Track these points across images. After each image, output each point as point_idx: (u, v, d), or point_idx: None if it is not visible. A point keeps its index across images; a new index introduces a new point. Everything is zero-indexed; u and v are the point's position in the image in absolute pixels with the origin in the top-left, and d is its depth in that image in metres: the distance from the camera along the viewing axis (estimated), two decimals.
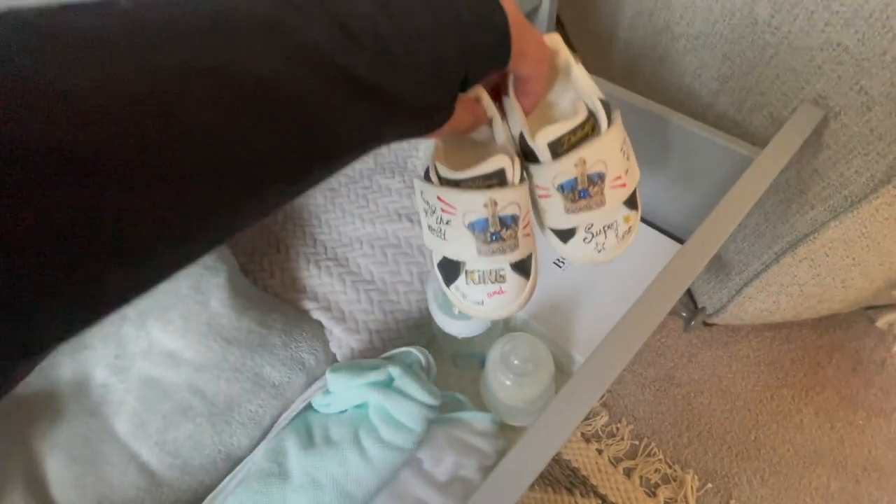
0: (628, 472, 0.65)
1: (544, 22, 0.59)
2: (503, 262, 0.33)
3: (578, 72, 0.33)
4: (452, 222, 0.31)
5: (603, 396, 0.71)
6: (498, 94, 0.32)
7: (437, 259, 0.36)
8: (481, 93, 0.31)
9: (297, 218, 0.56)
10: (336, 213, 0.56)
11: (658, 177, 0.56)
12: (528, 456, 0.28)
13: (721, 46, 0.52)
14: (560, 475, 0.64)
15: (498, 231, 0.31)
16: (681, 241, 0.57)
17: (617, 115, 0.32)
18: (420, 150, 0.59)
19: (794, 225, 0.53)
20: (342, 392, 0.40)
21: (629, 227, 0.34)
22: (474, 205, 0.30)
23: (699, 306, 0.73)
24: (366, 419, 0.39)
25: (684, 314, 0.63)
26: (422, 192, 0.33)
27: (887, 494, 0.64)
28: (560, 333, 0.50)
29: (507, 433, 0.45)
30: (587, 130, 0.31)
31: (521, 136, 0.32)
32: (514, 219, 0.31)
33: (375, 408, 0.39)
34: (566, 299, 0.52)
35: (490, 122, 0.32)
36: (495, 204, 0.30)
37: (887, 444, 0.68)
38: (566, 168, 0.31)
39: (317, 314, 0.48)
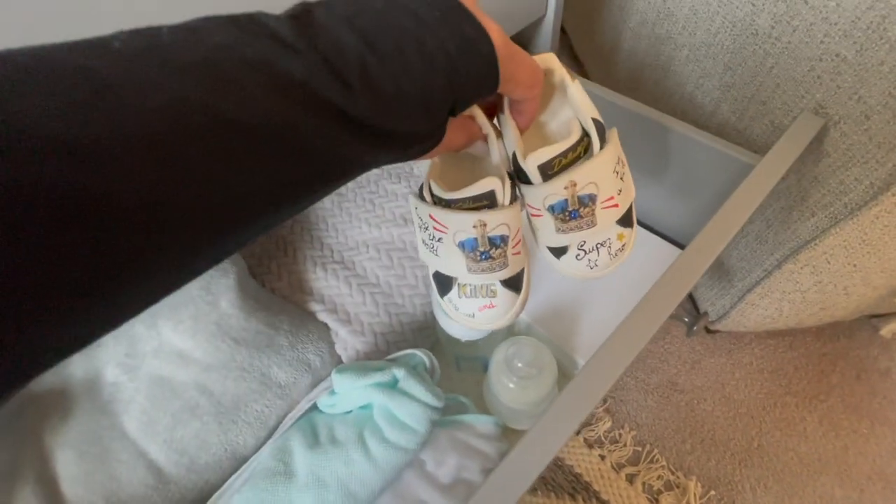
0: (631, 479, 0.65)
1: (548, 34, 0.61)
2: (493, 279, 0.33)
3: (574, 90, 0.33)
4: (444, 240, 0.32)
5: (606, 402, 0.71)
6: (494, 112, 0.33)
7: (431, 271, 0.37)
8: (476, 111, 0.31)
9: (304, 222, 0.57)
10: (343, 217, 0.57)
11: (661, 183, 0.57)
12: (527, 458, 0.28)
13: (723, 56, 0.52)
14: (563, 481, 0.64)
15: (487, 251, 0.32)
16: (683, 246, 0.57)
17: (612, 135, 0.32)
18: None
19: (796, 231, 0.53)
20: (347, 393, 0.41)
21: (623, 245, 0.35)
22: (464, 225, 0.31)
23: (701, 312, 0.73)
24: (370, 420, 0.40)
25: (686, 319, 0.63)
26: (416, 209, 0.34)
27: None
28: (563, 337, 0.50)
29: (509, 436, 0.45)
30: (579, 152, 0.32)
31: (514, 156, 0.32)
32: (504, 239, 0.32)
33: (380, 409, 0.40)
34: (569, 304, 0.53)
35: (486, 138, 0.32)
36: (484, 225, 0.31)
37: (892, 452, 0.67)
38: (556, 190, 0.31)
39: (323, 316, 0.49)
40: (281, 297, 0.50)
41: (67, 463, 0.38)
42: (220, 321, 0.44)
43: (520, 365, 0.46)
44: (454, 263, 0.33)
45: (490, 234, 0.31)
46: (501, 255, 0.32)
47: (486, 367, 0.50)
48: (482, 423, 0.43)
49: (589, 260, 0.34)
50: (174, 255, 0.16)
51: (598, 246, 0.34)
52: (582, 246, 0.34)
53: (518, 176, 0.33)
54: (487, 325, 0.35)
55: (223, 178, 0.17)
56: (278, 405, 0.43)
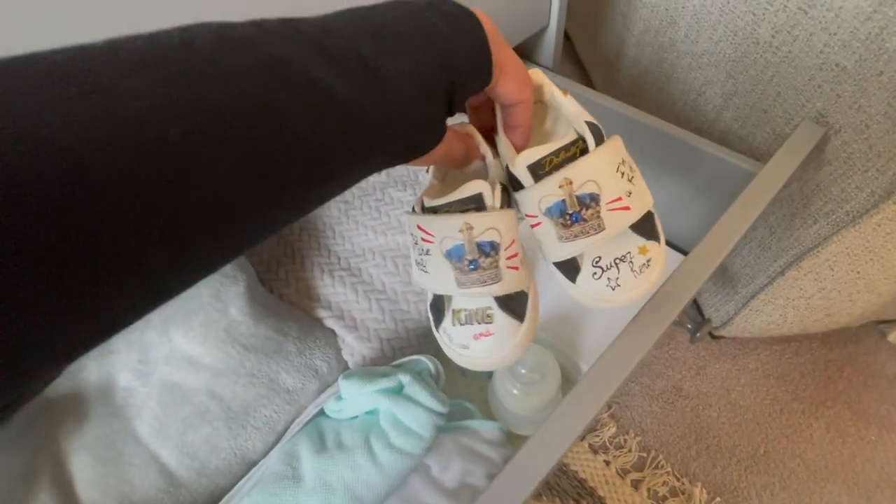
0: (636, 484, 0.65)
1: (551, 44, 0.61)
2: (487, 298, 0.30)
3: (565, 100, 0.32)
4: (431, 252, 0.30)
5: (611, 408, 0.71)
6: (491, 134, 0.32)
7: (428, 299, 0.34)
8: (472, 130, 0.31)
9: (311, 229, 0.58)
10: (349, 224, 0.58)
11: (664, 190, 0.57)
12: (530, 463, 0.29)
13: (725, 64, 0.53)
14: (567, 486, 0.64)
15: (476, 259, 0.29)
16: (685, 253, 0.58)
17: (613, 138, 0.30)
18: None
19: (799, 238, 0.53)
20: (354, 398, 0.42)
21: (647, 260, 0.30)
22: (450, 230, 0.29)
23: (706, 318, 0.73)
24: (376, 425, 0.41)
25: (689, 325, 0.63)
26: (409, 227, 0.32)
27: None
28: (567, 343, 0.51)
29: (514, 442, 0.45)
30: (574, 152, 0.29)
31: (507, 167, 0.31)
32: (494, 246, 0.29)
33: (386, 414, 0.40)
34: (573, 309, 0.53)
35: (484, 159, 0.32)
36: (471, 228, 0.28)
37: None
38: (550, 189, 0.29)
39: (330, 322, 0.50)
40: (289, 303, 0.51)
41: (82, 466, 0.39)
42: (230, 328, 0.45)
43: (523, 371, 0.47)
44: (443, 277, 0.30)
45: (478, 240, 0.28)
46: (492, 266, 0.29)
47: (490, 373, 0.50)
48: (487, 428, 0.44)
49: (609, 279, 0.30)
50: (174, 258, 0.16)
51: (617, 261, 0.30)
52: (597, 262, 0.30)
53: (513, 185, 0.31)
54: (484, 361, 0.31)
55: (205, 165, 0.16)
56: (286, 410, 0.44)
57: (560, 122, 0.35)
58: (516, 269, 0.30)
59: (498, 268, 0.29)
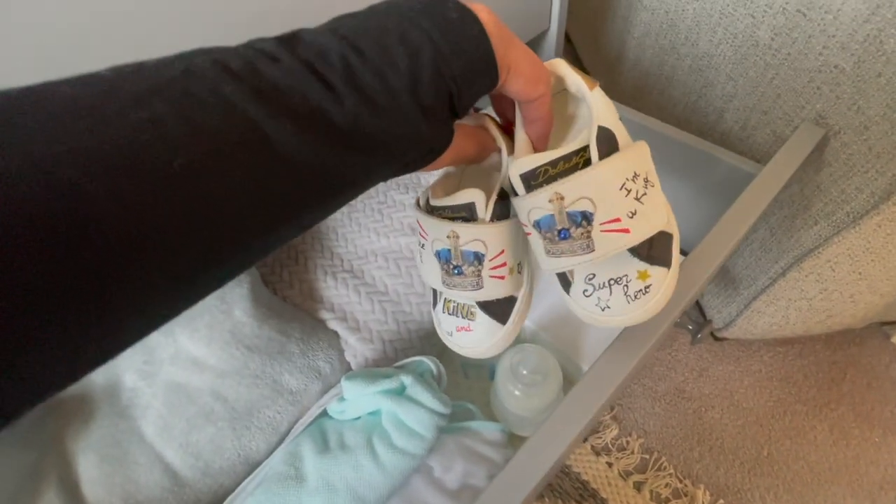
0: (638, 486, 0.65)
1: (552, 47, 0.62)
2: (468, 300, 0.31)
3: (591, 94, 0.29)
4: (426, 247, 0.31)
5: (613, 409, 0.71)
6: (511, 129, 0.31)
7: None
8: (488, 122, 0.30)
9: (314, 232, 0.58)
10: (352, 227, 0.58)
11: (665, 192, 0.57)
12: (529, 463, 0.29)
13: (725, 67, 0.53)
14: (570, 488, 0.64)
15: (460, 265, 0.29)
16: (686, 254, 0.58)
17: (631, 147, 0.28)
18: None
19: (800, 240, 0.53)
20: (356, 399, 0.42)
21: (646, 286, 0.28)
22: (440, 234, 0.30)
23: (707, 319, 0.73)
24: (379, 426, 0.41)
25: (690, 327, 0.63)
26: (415, 216, 0.33)
27: None
28: (569, 344, 0.51)
29: (515, 443, 0.46)
30: (576, 162, 0.27)
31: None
32: (478, 256, 0.29)
33: (388, 415, 0.41)
34: None
35: (500, 151, 0.31)
36: (457, 237, 0.29)
37: None
38: (540, 203, 0.27)
39: (333, 324, 0.50)
40: (292, 305, 0.52)
41: (89, 466, 0.40)
42: (234, 329, 0.45)
43: (525, 372, 0.47)
44: (432, 273, 0.31)
45: (463, 249, 0.29)
46: (475, 275, 0.29)
47: (492, 375, 0.50)
48: (489, 429, 0.44)
49: (599, 299, 0.29)
50: (166, 279, 0.16)
51: (611, 283, 0.28)
52: (590, 279, 0.29)
53: (511, 189, 0.30)
54: (465, 350, 0.32)
55: (208, 193, 0.16)
56: (290, 411, 0.44)
57: (584, 113, 0.33)
58: (501, 278, 0.30)
59: (480, 276, 0.29)
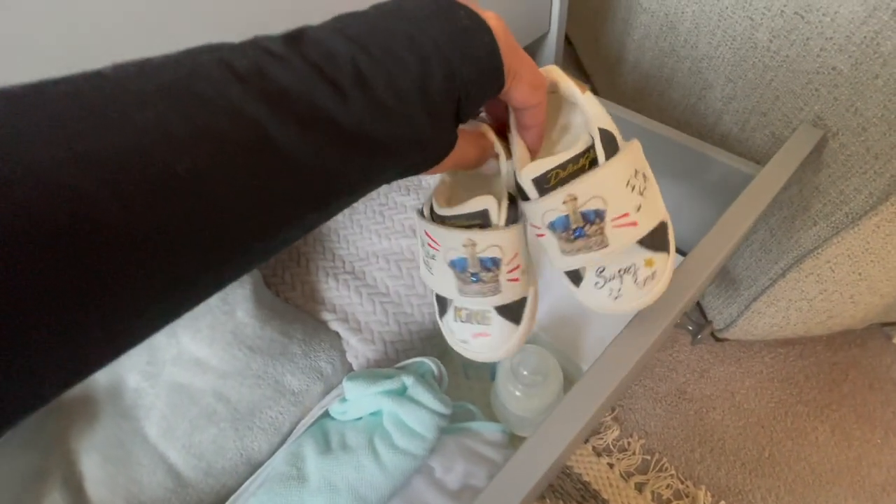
0: (640, 487, 0.65)
1: (552, 50, 0.62)
2: (486, 305, 0.32)
3: (584, 101, 0.30)
4: (437, 258, 0.31)
5: (614, 410, 0.71)
6: (504, 131, 0.32)
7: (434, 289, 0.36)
8: (486, 128, 0.31)
9: (316, 233, 0.59)
10: (354, 229, 0.58)
11: (664, 193, 0.57)
12: (529, 463, 0.29)
13: (724, 69, 0.54)
14: (571, 489, 0.65)
15: (477, 273, 0.30)
16: (685, 254, 0.58)
17: (629, 146, 0.29)
18: None
19: (799, 240, 0.54)
20: (358, 400, 0.42)
21: (653, 273, 0.30)
22: (454, 243, 0.30)
23: (708, 320, 0.73)
24: (380, 426, 0.41)
25: (690, 328, 0.63)
26: (418, 228, 0.33)
27: None
28: (569, 345, 0.51)
29: (516, 444, 0.46)
30: (582, 164, 0.28)
31: (515, 175, 0.31)
32: (496, 262, 0.30)
33: (389, 415, 0.41)
34: (575, 311, 0.53)
35: (498, 157, 0.31)
36: (474, 245, 0.29)
37: None
38: (554, 205, 0.28)
39: (335, 325, 0.51)
40: (294, 306, 0.52)
41: (92, 466, 0.40)
42: (237, 330, 0.46)
43: (525, 373, 0.47)
44: (446, 283, 0.31)
45: (480, 256, 0.29)
46: (493, 280, 0.30)
47: (493, 375, 0.51)
48: (489, 430, 0.44)
49: (611, 289, 0.30)
50: (168, 281, 0.16)
51: (621, 273, 0.30)
52: (601, 272, 0.30)
53: (520, 194, 0.31)
54: (481, 355, 0.33)
55: (211, 196, 0.16)
56: (292, 412, 0.45)
57: (576, 117, 0.34)
58: (517, 280, 0.31)
59: (498, 281, 0.30)
